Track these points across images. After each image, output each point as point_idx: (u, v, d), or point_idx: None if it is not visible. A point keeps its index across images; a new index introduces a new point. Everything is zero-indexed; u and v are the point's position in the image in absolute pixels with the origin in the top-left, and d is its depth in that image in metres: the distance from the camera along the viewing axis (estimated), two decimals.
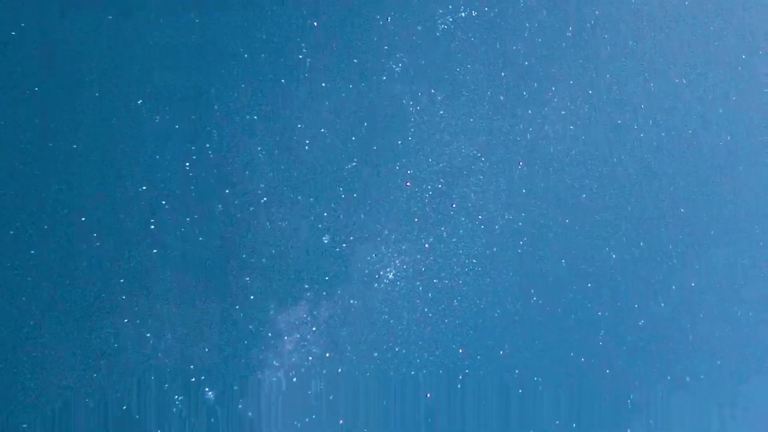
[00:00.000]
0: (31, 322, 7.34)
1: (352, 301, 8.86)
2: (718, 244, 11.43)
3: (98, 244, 7.70)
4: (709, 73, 11.48)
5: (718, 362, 11.26)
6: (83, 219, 7.63)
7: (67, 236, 7.53)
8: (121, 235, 7.79)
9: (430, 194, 9.33)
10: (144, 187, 7.95)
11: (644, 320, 10.65)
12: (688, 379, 10.93)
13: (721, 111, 11.51)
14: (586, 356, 10.16)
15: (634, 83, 10.82)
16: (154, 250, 7.93)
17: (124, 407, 7.70)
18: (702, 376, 11.01)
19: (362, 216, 8.97)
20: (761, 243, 11.75)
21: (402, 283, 9.13)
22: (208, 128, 8.27)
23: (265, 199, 8.52)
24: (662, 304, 10.87)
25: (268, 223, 8.50)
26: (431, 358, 9.17)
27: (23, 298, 7.31)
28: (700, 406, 11.02)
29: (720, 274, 11.41)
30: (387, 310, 9.03)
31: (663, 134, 11.03)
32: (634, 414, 10.46)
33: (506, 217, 9.78)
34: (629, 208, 10.68)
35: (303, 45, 8.71)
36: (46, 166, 7.50)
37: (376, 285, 9.00)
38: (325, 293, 8.73)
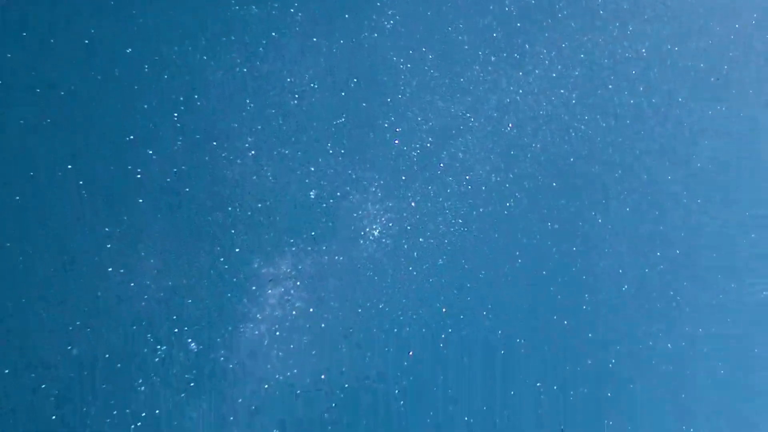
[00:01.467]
0: (13, 271, 7.30)
1: (337, 257, 8.86)
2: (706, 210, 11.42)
3: (83, 192, 7.64)
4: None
5: (699, 330, 11.29)
6: (69, 167, 7.58)
7: (52, 185, 7.47)
8: (106, 185, 7.75)
9: (418, 153, 9.30)
10: (131, 137, 7.89)
11: (628, 285, 10.66)
12: (669, 345, 10.97)
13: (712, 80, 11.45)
14: (570, 319, 10.19)
15: (628, 48, 10.76)
16: (140, 200, 7.90)
17: (107, 356, 7.67)
18: (683, 343, 11.05)
19: (349, 172, 8.95)
20: None
21: (387, 241, 9.12)
22: (196, 79, 8.21)
23: (252, 152, 8.48)
24: (646, 270, 10.88)
25: (254, 177, 8.48)
26: (414, 317, 9.18)
27: (8, 244, 7.27)
28: (681, 370, 11.07)
29: (706, 240, 11.42)
30: (372, 267, 9.03)
31: (654, 100, 10.99)
32: (616, 377, 10.50)
33: (494, 178, 9.76)
34: (619, 172, 10.66)
35: None
36: (30, 114, 7.43)
37: (361, 242, 9.00)
38: (310, 248, 8.72)
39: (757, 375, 11.58)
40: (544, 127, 10.14)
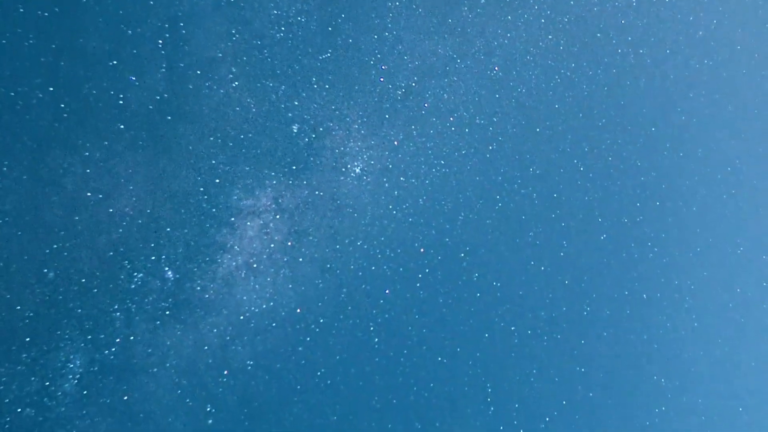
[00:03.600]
0: None
1: (317, 192, 8.84)
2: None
3: (65, 116, 7.58)
4: None
5: (676, 282, 11.38)
6: (51, 89, 7.50)
7: (31, 107, 7.40)
8: (89, 110, 7.68)
9: (402, 91, 9.26)
10: (114, 62, 7.81)
11: (606, 235, 10.72)
12: (645, 295, 11.05)
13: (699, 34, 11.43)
14: (546, 265, 10.24)
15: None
16: (121, 126, 7.83)
17: (83, 280, 7.65)
18: (659, 294, 11.14)
19: (333, 108, 8.90)
20: None
21: (369, 178, 9.11)
22: (182, 7, 8.13)
23: (236, 83, 8.43)
24: (625, 220, 10.93)
25: (237, 108, 8.42)
26: (392, 255, 9.20)
27: None
28: (647, 319, 11.17)
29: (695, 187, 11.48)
30: (352, 203, 9.03)
31: (642, 51, 10.97)
32: (590, 323, 10.58)
33: (477, 121, 9.75)
34: (603, 121, 10.67)
35: None
36: (12, 36, 7.34)
37: (342, 178, 8.99)
38: (290, 182, 8.70)
39: None
40: (530, 72, 10.10)
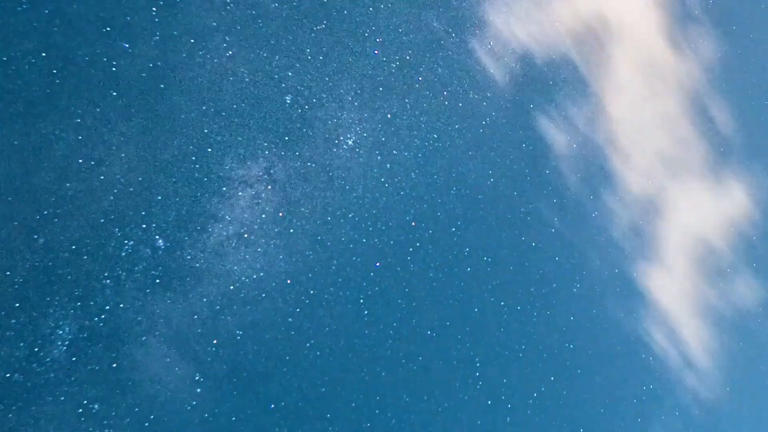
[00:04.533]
0: None
1: (309, 164, 8.83)
2: None
3: (57, 82, 7.55)
4: None
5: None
6: (43, 55, 7.47)
7: (23, 73, 7.37)
8: (80, 77, 7.65)
9: (397, 64, 9.25)
10: (107, 29, 7.78)
11: (598, 213, 10.73)
12: (635, 274, 11.08)
13: None
14: (537, 241, 10.26)
15: None
16: (113, 93, 7.81)
17: (73, 247, 7.63)
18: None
19: (326, 79, 8.88)
20: None
21: (361, 151, 9.10)
22: None
23: (230, 52, 8.40)
24: (617, 198, 10.93)
25: (231, 78, 8.40)
26: (383, 228, 9.21)
27: None
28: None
29: None
30: (344, 175, 9.02)
31: None
32: (580, 300, 10.62)
33: (471, 95, 9.74)
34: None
35: None
36: (8, 3, 7.31)
37: (335, 150, 8.98)
38: (283, 153, 8.69)
39: None
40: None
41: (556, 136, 10.40)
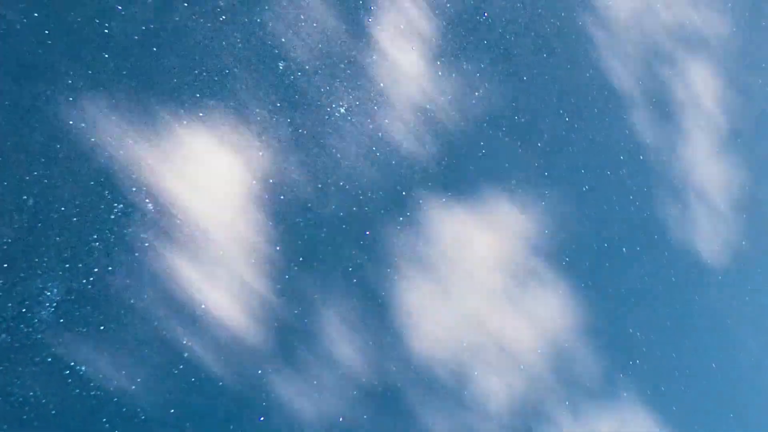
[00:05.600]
0: None
1: (300, 131, 8.81)
2: None
3: (49, 42, 7.52)
4: None
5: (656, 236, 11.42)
6: (35, 15, 7.44)
7: (13, 32, 7.34)
8: (73, 38, 7.63)
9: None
10: None
11: (588, 186, 10.75)
12: (624, 249, 11.10)
13: None
14: (528, 205, 10.26)
15: None
16: (106, 55, 7.78)
17: (62, 209, 7.63)
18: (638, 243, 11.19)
19: (320, 47, 8.85)
20: None
21: (353, 119, 9.08)
22: None
23: (223, 17, 8.38)
24: (608, 172, 10.95)
25: (224, 42, 8.36)
26: (374, 197, 9.21)
27: None
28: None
29: None
30: (335, 143, 9.00)
31: None
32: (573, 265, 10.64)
33: (465, 66, 9.73)
34: (591, 71, 10.65)
35: None
36: None
37: (326, 117, 8.95)
38: (274, 119, 8.66)
39: None
40: (519, 20, 10.07)
41: (549, 108, 10.36)
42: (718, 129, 12.04)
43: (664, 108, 11.54)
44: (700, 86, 11.65)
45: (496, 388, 9.85)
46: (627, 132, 11.15)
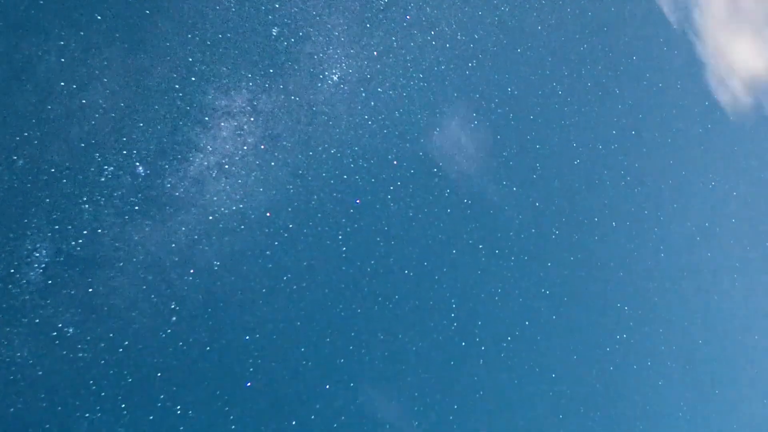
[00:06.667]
0: None
1: (293, 97, 8.79)
2: None
3: (41, 2, 7.48)
4: None
5: (646, 212, 11.45)
6: None
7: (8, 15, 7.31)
8: (64, 9, 7.58)
9: (385, 2, 9.19)
10: None
11: (580, 160, 10.75)
12: (614, 223, 11.12)
13: None
14: (517, 186, 10.28)
15: None
16: (98, 17, 7.76)
17: (52, 170, 7.60)
18: (627, 222, 11.21)
19: (314, 14, 8.82)
20: None
21: (346, 87, 9.08)
22: None
23: None
24: (600, 147, 10.97)
25: (217, 7, 8.34)
26: (365, 165, 9.20)
27: None
28: (614, 246, 11.26)
29: None
30: (327, 111, 8.99)
31: None
32: (558, 246, 10.65)
33: (459, 37, 9.70)
34: (585, 46, 10.63)
35: None
36: None
37: (319, 85, 8.94)
38: (267, 85, 8.64)
39: None
40: None
41: (542, 81, 10.37)
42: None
43: None
44: None
45: None
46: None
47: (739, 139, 12.66)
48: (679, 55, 12.05)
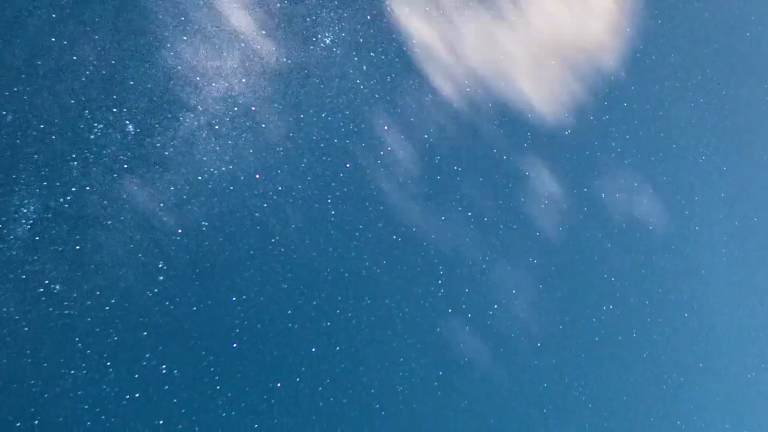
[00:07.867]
0: None
1: (285, 59, 8.75)
2: None
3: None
4: None
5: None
6: None
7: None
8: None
9: None
10: None
11: (574, 136, 10.74)
12: (603, 194, 11.13)
13: None
14: (509, 155, 10.27)
15: None
16: None
17: (41, 126, 7.59)
18: (617, 194, 11.21)
19: None
20: None
21: (338, 50, 9.04)
22: None
23: None
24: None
25: None
26: (356, 130, 9.21)
27: None
28: (604, 217, 11.28)
29: None
30: (319, 74, 8.96)
31: None
32: (548, 215, 10.65)
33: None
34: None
35: None
36: None
37: (312, 48, 8.89)
38: (259, 47, 8.60)
39: None
40: None
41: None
42: None
43: None
44: None
45: None
46: None
47: None
48: None
